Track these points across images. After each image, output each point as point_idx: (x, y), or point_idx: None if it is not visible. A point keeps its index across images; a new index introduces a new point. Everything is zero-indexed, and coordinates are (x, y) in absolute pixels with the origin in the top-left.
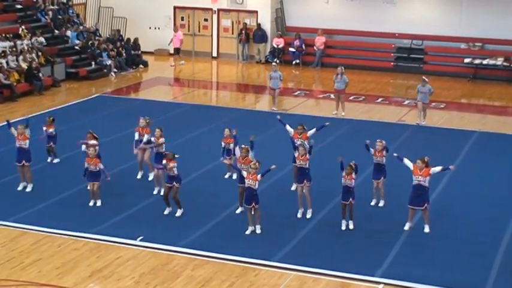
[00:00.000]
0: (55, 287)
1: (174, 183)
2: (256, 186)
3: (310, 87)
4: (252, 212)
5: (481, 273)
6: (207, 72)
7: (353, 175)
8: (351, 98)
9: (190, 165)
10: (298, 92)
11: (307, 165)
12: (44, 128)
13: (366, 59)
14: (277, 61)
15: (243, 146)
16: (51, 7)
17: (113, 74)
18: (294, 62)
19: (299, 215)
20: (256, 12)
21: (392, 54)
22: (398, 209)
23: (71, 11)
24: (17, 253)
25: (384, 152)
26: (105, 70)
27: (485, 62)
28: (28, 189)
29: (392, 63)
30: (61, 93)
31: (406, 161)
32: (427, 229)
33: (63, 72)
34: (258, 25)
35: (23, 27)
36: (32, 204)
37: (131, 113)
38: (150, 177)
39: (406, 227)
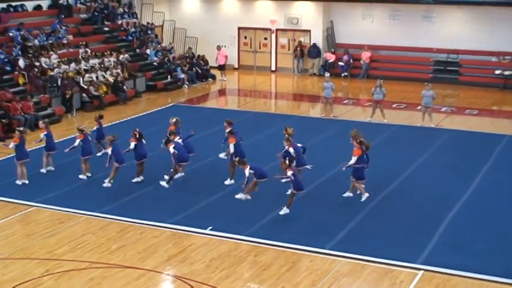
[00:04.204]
0: (137, 269)
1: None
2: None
3: (357, 97)
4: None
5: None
6: (266, 84)
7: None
8: (394, 105)
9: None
10: (347, 100)
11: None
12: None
13: (406, 71)
14: (328, 74)
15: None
16: (134, 29)
17: (185, 86)
18: (342, 75)
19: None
20: (310, 31)
21: (430, 67)
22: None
23: (150, 32)
24: (105, 240)
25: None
26: (179, 83)
27: None
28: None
29: (430, 75)
30: (142, 103)
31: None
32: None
33: (144, 85)
34: (313, 44)
35: (86, 49)
36: (116, 197)
37: (202, 119)
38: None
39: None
